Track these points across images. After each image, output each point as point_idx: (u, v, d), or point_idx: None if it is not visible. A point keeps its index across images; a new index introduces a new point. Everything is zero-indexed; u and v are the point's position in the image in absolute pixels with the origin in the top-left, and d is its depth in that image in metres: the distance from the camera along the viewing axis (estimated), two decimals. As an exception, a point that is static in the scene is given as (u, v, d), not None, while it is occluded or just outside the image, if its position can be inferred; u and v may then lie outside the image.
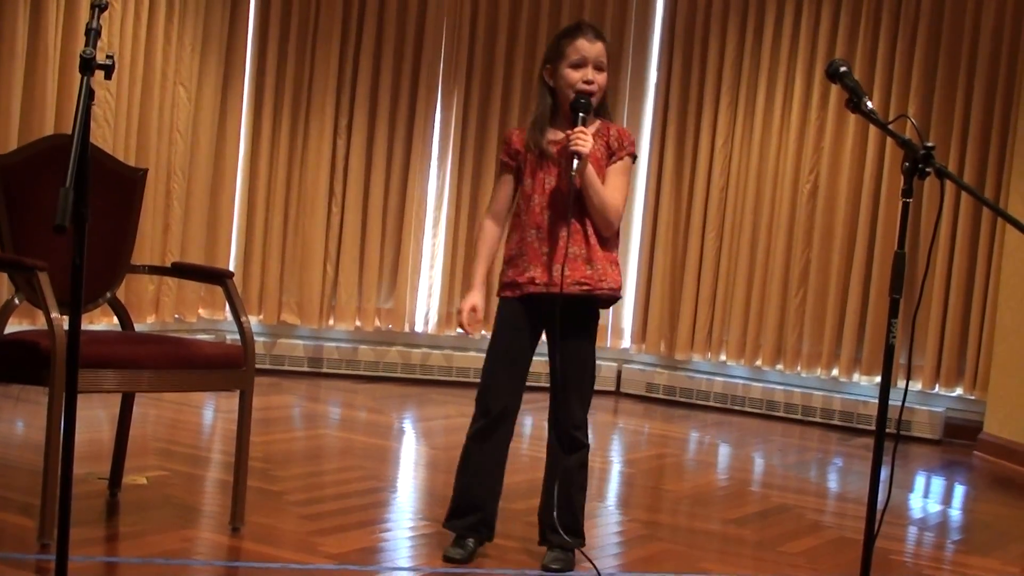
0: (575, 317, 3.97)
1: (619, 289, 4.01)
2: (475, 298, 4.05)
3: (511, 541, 4.24)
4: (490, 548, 4.14)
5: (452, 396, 7.28)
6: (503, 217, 4.10)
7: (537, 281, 3.94)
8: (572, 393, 4.02)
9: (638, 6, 7.97)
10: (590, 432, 4.15)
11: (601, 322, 8.14)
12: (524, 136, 4.03)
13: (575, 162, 3.80)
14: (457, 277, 7.86)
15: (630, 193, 3.93)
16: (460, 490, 4.09)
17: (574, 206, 3.88)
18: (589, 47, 3.93)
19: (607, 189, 3.93)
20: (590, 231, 3.93)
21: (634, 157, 4.05)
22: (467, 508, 4.06)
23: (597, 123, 3.99)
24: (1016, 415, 6.65)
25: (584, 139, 3.82)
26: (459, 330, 3.98)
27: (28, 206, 4.13)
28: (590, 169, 3.87)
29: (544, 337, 4.07)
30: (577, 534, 4.08)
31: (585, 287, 3.92)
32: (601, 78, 3.94)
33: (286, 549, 4.01)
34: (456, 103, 7.85)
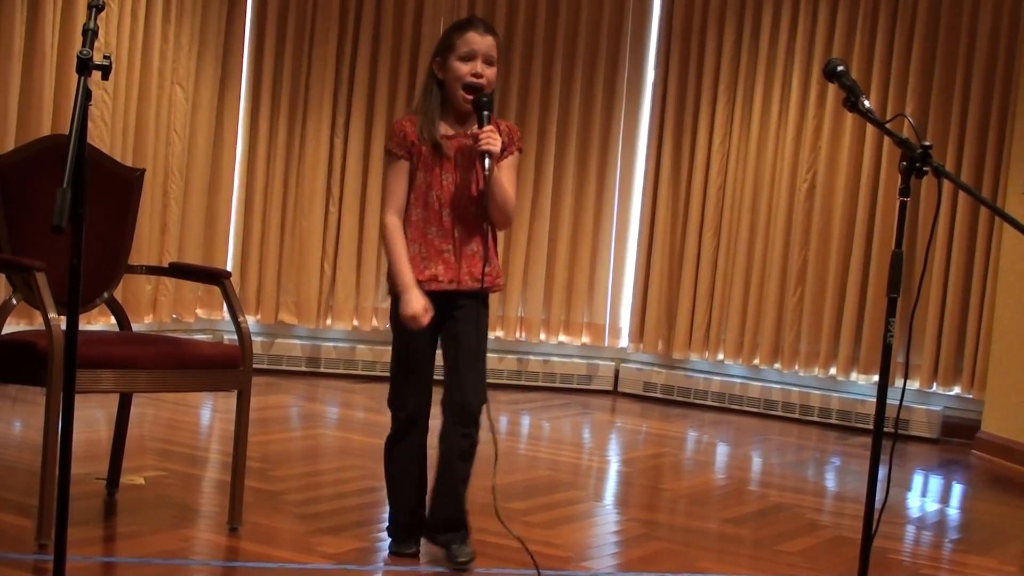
0: (471, 311, 3.97)
1: (502, 285, 4.11)
2: (420, 297, 3.90)
3: (511, 540, 4.23)
4: (490, 548, 4.14)
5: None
6: (403, 213, 3.98)
7: (440, 279, 3.93)
8: (473, 385, 3.97)
9: (635, 4, 7.97)
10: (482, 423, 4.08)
11: (599, 321, 8.20)
12: (415, 127, 3.96)
13: (487, 161, 3.80)
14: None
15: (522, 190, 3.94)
16: (398, 500, 4.11)
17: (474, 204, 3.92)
18: (479, 40, 3.91)
19: (507, 184, 3.94)
20: (487, 227, 3.95)
21: (521, 153, 4.06)
22: (396, 525, 4.10)
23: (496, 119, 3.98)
24: (1014, 414, 6.65)
25: (495, 138, 3.83)
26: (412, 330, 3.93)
27: (26, 207, 4.13)
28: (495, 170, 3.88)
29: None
30: (464, 525, 4.07)
31: (480, 284, 3.93)
32: (491, 72, 3.92)
33: (284, 549, 4.01)
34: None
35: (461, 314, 3.96)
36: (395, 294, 3.95)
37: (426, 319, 3.87)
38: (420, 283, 3.90)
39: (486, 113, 3.86)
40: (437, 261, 3.93)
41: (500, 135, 3.89)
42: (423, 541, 4.11)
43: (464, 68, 3.89)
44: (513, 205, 3.94)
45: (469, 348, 3.97)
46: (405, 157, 3.95)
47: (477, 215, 3.93)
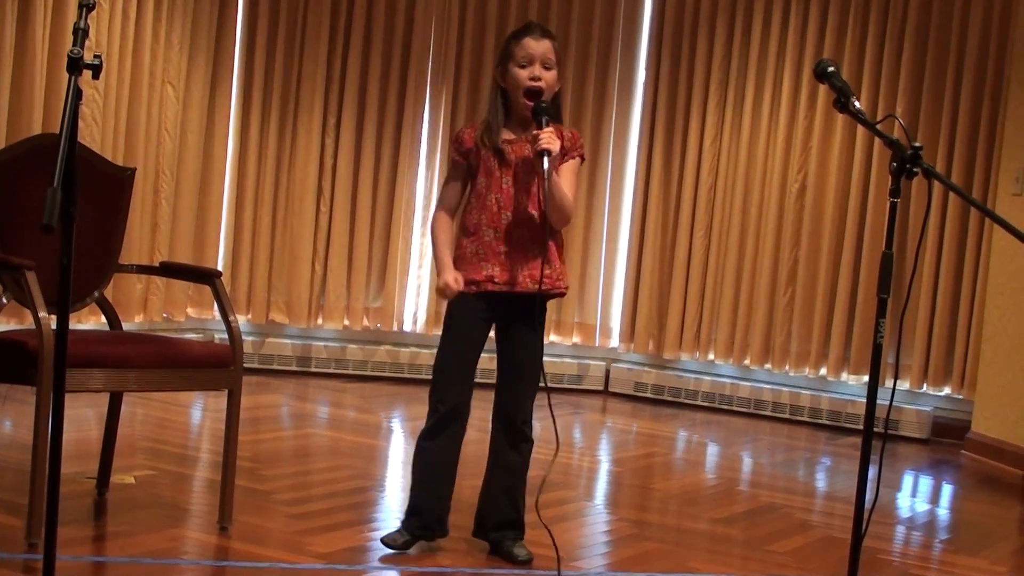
0: (526, 314, 4.01)
1: (567, 288, 4.11)
2: (452, 271, 3.99)
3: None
4: (477, 545, 4.14)
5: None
6: (454, 212, 4.15)
7: (496, 280, 3.98)
8: (526, 389, 4.06)
9: (626, 5, 7.97)
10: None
11: (589, 321, 8.19)
12: (475, 134, 4.07)
13: (546, 160, 3.84)
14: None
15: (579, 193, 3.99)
16: (412, 491, 4.14)
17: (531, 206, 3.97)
18: (535, 45, 3.98)
19: (566, 187, 3.99)
20: (548, 230, 3.96)
21: (583, 158, 4.12)
22: (414, 510, 4.11)
23: (557, 123, 4.04)
24: (1003, 414, 6.66)
25: (553, 139, 3.88)
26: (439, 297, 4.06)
27: (16, 205, 4.13)
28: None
29: (493, 334, 4.12)
30: (521, 527, 4.14)
31: (544, 287, 3.96)
32: (549, 76, 3.99)
33: (274, 548, 4.00)
34: (444, 102, 7.85)
35: (519, 322, 4.01)
36: (440, 290, 4.06)
37: (456, 287, 3.94)
38: (477, 282, 3.99)
39: (544, 119, 3.92)
40: (494, 262, 3.99)
41: (562, 140, 3.98)
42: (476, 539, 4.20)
43: (523, 74, 3.97)
44: (571, 206, 3.99)
45: (521, 359, 4.05)
46: (461, 162, 4.08)
47: (537, 218, 3.97)
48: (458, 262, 4.04)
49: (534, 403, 4.12)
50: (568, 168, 4.03)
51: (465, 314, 4.04)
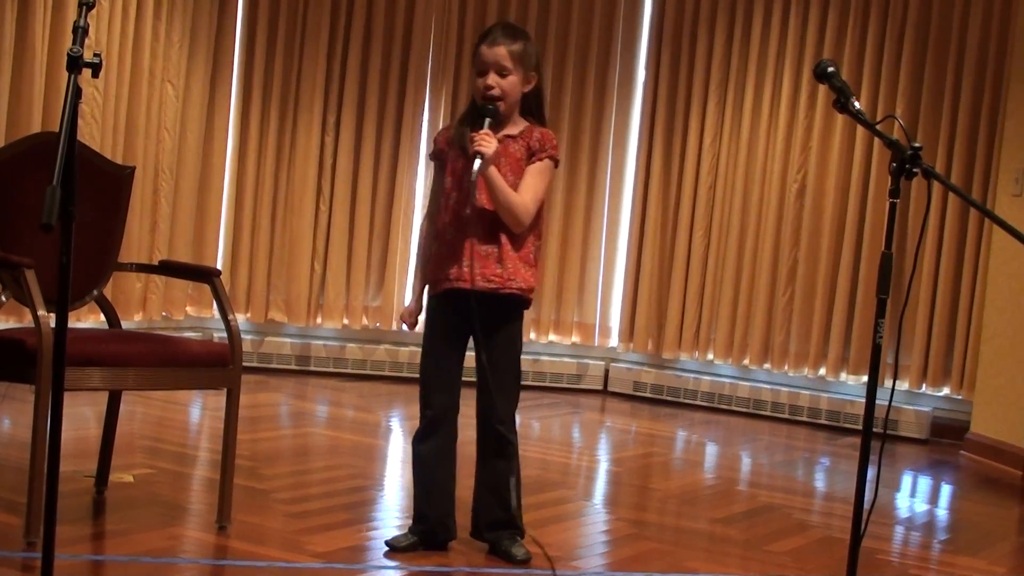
0: (493, 315, 4.00)
1: (529, 290, 4.04)
2: (411, 303, 4.20)
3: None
4: (476, 545, 4.14)
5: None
6: (434, 216, 4.16)
7: (451, 277, 3.99)
8: (495, 391, 4.02)
9: (627, 4, 7.97)
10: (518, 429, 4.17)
11: (589, 320, 8.19)
12: (448, 135, 4.11)
13: (477, 162, 3.85)
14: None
15: (548, 195, 3.97)
16: (414, 497, 4.16)
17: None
18: (488, 53, 3.98)
19: (522, 188, 3.96)
20: (503, 231, 3.96)
21: (556, 161, 4.08)
22: (418, 516, 4.13)
23: (524, 125, 4.03)
24: (1003, 414, 6.66)
25: (487, 141, 3.87)
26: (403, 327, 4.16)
27: (15, 204, 4.12)
28: (493, 169, 3.91)
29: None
30: (515, 527, 4.12)
31: (493, 285, 3.96)
32: (506, 82, 3.97)
33: (273, 547, 4.00)
34: (444, 101, 7.85)
35: (489, 322, 4.00)
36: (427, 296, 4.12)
37: (406, 323, 4.15)
38: (438, 281, 4.03)
39: (488, 120, 3.93)
40: (454, 261, 3.99)
41: (524, 140, 3.99)
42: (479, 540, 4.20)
43: (479, 83, 4.00)
44: (522, 208, 3.95)
45: (492, 360, 4.03)
46: (436, 162, 4.15)
47: (495, 218, 3.96)
48: (430, 262, 4.08)
49: (513, 402, 4.08)
50: (533, 170, 4.01)
51: (439, 316, 4.08)
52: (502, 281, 3.97)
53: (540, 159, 4.02)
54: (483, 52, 3.98)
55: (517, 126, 4.03)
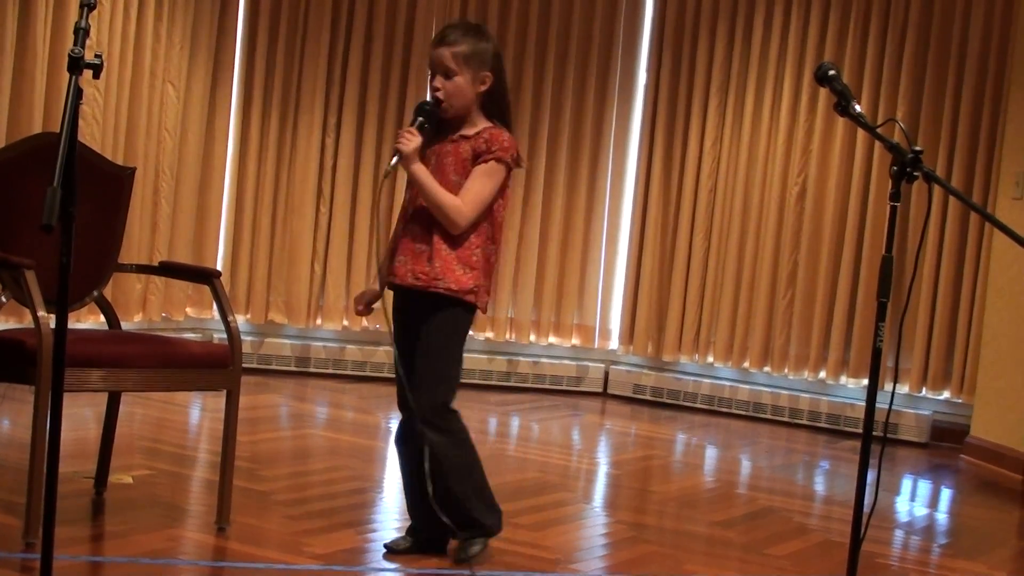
0: (424, 312, 4.01)
1: (461, 291, 3.97)
2: (365, 290, 4.24)
3: (505, 543, 4.23)
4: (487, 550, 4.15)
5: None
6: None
7: (392, 273, 4.04)
8: (419, 384, 3.99)
9: (627, 7, 7.97)
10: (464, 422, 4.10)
11: (589, 323, 8.18)
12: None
13: (393, 160, 3.91)
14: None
15: (492, 196, 3.90)
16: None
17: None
18: (433, 54, 4.00)
19: (463, 190, 3.93)
20: (437, 229, 3.96)
21: (505, 163, 3.98)
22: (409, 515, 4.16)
23: (484, 126, 3.99)
24: (1003, 418, 6.66)
25: (407, 139, 3.91)
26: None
27: (15, 204, 4.12)
28: (421, 169, 3.93)
29: None
30: (459, 524, 4.03)
31: (420, 283, 3.96)
32: (451, 84, 3.96)
33: (272, 549, 4.00)
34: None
35: (418, 317, 4.02)
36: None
37: (357, 308, 4.19)
38: (388, 276, 4.06)
39: (420, 119, 3.95)
40: (395, 258, 4.03)
41: (471, 142, 3.96)
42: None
43: (430, 85, 4.02)
44: (453, 209, 3.92)
45: (417, 354, 4.03)
46: None
47: (431, 217, 3.97)
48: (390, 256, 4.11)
49: (434, 396, 3.98)
50: (477, 171, 3.96)
51: (394, 313, 4.11)
52: (427, 280, 3.95)
53: (485, 160, 3.96)
54: (431, 55, 4.01)
55: (475, 127, 4.00)
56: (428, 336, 4.01)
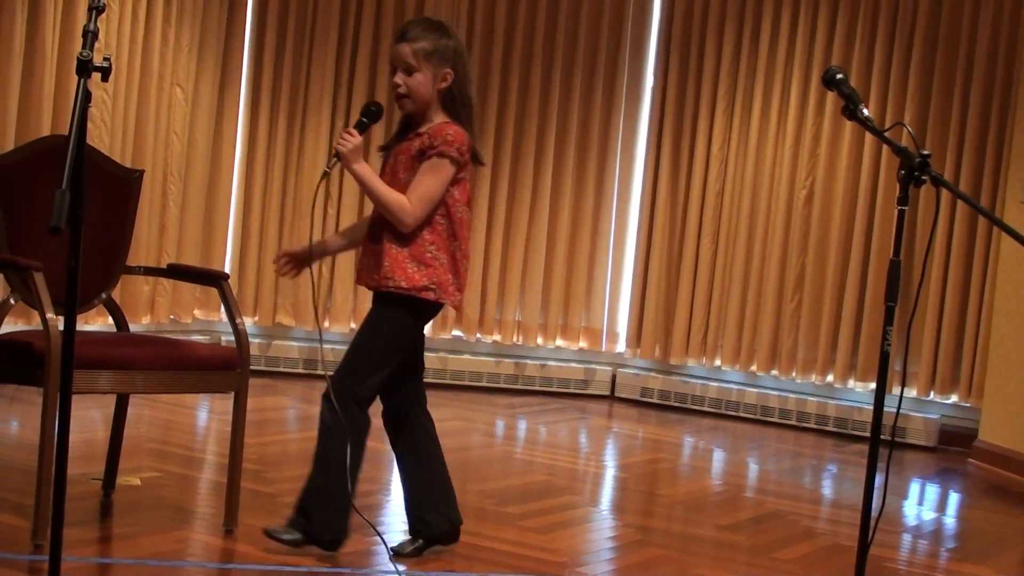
0: (374, 308, 4.06)
1: (413, 288, 3.95)
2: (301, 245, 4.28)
3: (512, 546, 4.23)
4: (481, 551, 4.15)
5: (446, 399, 7.26)
6: None
7: (357, 272, 4.13)
8: (340, 365, 4.04)
9: (635, 10, 7.97)
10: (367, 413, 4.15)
11: (596, 326, 8.16)
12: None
13: (333, 159, 3.96)
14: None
15: (439, 191, 3.86)
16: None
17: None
18: (393, 50, 4.01)
19: (410, 187, 3.93)
20: (387, 229, 3.97)
21: (450, 157, 3.93)
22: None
23: (440, 123, 3.96)
24: (1011, 422, 6.65)
25: (345, 140, 3.94)
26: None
27: (24, 207, 4.13)
28: (364, 168, 3.95)
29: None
30: (297, 509, 4.04)
31: (373, 283, 4.00)
32: (412, 80, 3.96)
33: (279, 551, 4.00)
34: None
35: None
36: None
37: (278, 263, 4.21)
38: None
39: (362, 119, 4.01)
40: (359, 259, 4.10)
41: (419, 139, 3.95)
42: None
43: (390, 81, 4.05)
44: (396, 207, 3.92)
45: (353, 342, 4.07)
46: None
47: (381, 217, 3.99)
48: None
49: (348, 379, 4.00)
50: (422, 168, 3.95)
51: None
52: (378, 280, 3.97)
53: (428, 156, 3.95)
54: (391, 51, 4.02)
55: (432, 124, 3.99)
56: (360, 327, 4.08)
